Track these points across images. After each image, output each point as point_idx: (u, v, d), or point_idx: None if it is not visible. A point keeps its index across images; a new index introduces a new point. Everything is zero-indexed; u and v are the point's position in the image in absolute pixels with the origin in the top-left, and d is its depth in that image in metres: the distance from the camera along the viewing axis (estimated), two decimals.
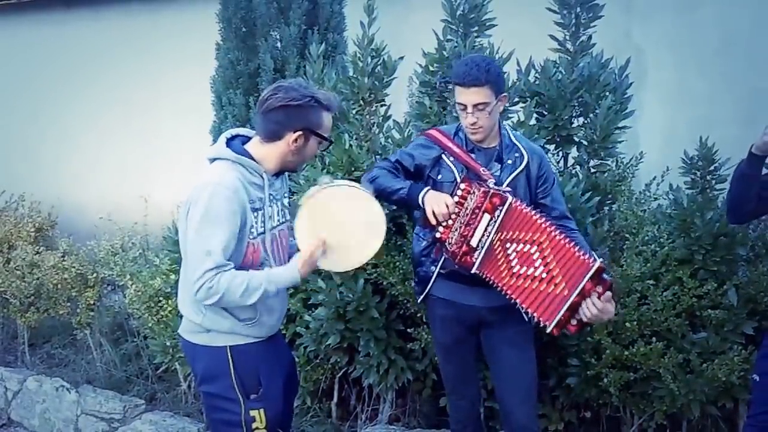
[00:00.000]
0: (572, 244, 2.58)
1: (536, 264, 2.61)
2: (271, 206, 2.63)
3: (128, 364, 4.78)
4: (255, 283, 2.48)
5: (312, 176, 3.71)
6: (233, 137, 2.67)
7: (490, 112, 2.74)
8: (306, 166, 3.88)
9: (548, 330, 2.58)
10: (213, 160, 2.58)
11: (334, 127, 3.93)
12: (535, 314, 2.60)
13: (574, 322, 2.56)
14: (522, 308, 2.64)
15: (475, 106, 2.72)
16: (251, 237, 2.53)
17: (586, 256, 2.54)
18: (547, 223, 2.63)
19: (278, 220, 2.68)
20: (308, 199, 2.62)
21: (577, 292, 2.50)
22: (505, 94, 2.82)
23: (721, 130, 3.85)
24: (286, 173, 2.79)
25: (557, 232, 2.61)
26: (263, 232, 2.59)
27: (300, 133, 2.53)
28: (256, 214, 2.54)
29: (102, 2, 6.83)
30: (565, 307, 2.53)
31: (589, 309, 2.50)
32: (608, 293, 2.51)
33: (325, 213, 2.61)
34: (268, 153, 2.58)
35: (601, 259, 2.53)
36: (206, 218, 2.40)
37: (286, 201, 2.78)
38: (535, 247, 2.62)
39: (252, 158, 2.55)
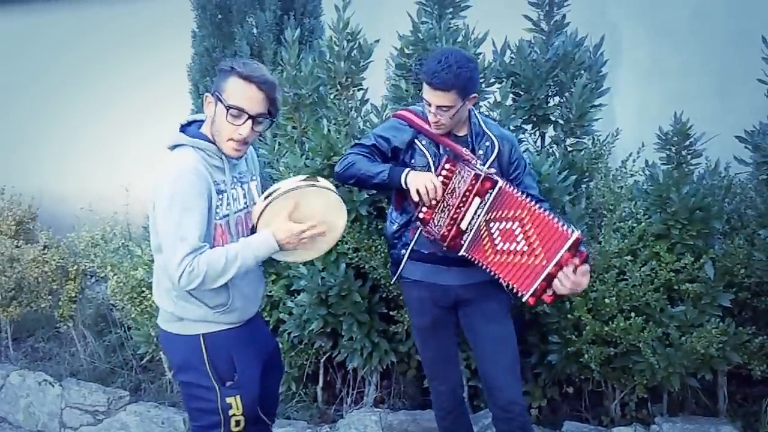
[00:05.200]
0: (552, 216, 2.59)
1: (518, 239, 2.63)
2: (235, 188, 2.59)
3: (112, 356, 4.77)
4: (232, 254, 2.44)
5: (292, 162, 3.71)
6: (189, 123, 2.62)
7: (453, 115, 2.73)
8: (285, 152, 3.88)
9: (524, 299, 2.59)
10: (173, 147, 2.53)
11: (312, 112, 3.93)
12: (512, 284, 2.62)
13: (549, 292, 2.57)
14: (502, 280, 2.66)
15: (438, 107, 2.71)
16: (217, 218, 2.50)
17: (565, 227, 2.54)
18: (528, 200, 2.65)
19: (245, 203, 2.64)
20: (263, 203, 2.56)
21: (554, 262, 2.52)
22: (474, 95, 2.77)
23: (696, 105, 3.88)
24: (251, 153, 2.75)
25: (537, 206, 2.62)
26: (228, 215, 2.56)
27: (207, 94, 2.51)
28: (220, 195, 2.51)
29: None
30: (542, 277, 2.54)
31: (563, 282, 2.51)
32: (585, 266, 2.53)
33: (285, 213, 2.56)
34: (209, 131, 2.54)
35: (579, 231, 2.54)
36: (174, 205, 2.36)
37: (254, 183, 2.73)
38: (517, 223, 2.64)
39: (210, 141, 2.51)
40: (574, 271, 2.50)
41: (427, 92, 2.72)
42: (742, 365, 3.44)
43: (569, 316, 3.42)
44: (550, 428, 3.63)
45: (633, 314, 3.31)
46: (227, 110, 2.44)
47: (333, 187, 2.65)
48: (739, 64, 4.40)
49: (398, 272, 3.01)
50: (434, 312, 2.98)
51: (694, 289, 3.32)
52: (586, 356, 3.40)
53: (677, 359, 3.32)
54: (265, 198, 2.56)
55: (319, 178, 2.65)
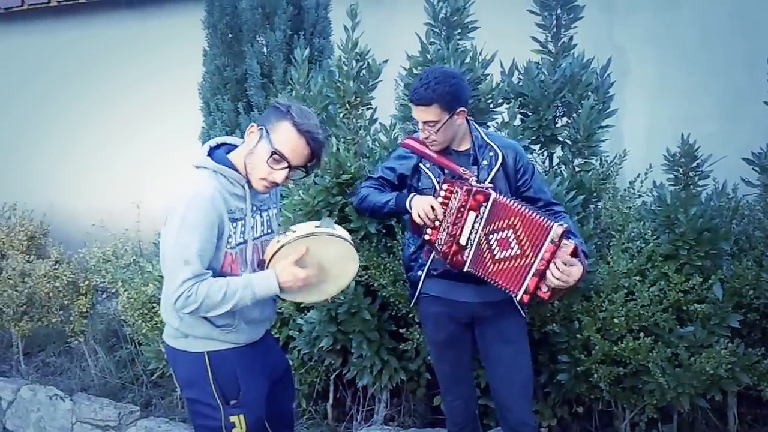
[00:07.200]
0: (537, 215, 2.63)
1: (512, 244, 2.67)
2: (254, 217, 2.62)
3: (123, 371, 4.80)
4: (232, 289, 2.46)
5: (302, 180, 3.73)
6: (218, 146, 2.64)
7: (439, 129, 2.77)
8: None
9: (517, 298, 2.65)
10: (198, 167, 2.55)
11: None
12: (504, 286, 2.67)
13: (545, 289, 2.61)
14: (496, 285, 2.70)
15: (425, 122, 2.78)
16: (229, 247, 2.51)
17: (547, 222, 2.59)
18: (521, 205, 2.68)
19: (262, 231, 2.66)
20: (275, 248, 2.58)
21: (540, 256, 2.57)
22: (462, 108, 2.80)
23: (703, 126, 3.90)
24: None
25: (529, 210, 2.66)
26: (243, 242, 2.57)
27: (254, 124, 2.53)
28: (235, 224, 2.52)
29: (91, 11, 6.81)
30: (531, 273, 2.60)
31: (553, 273, 2.56)
32: (571, 258, 2.56)
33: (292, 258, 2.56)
34: (242, 159, 2.55)
35: (563, 224, 2.58)
36: (183, 228, 2.39)
37: (274, 211, 2.76)
38: (511, 230, 2.67)
39: (235, 168, 2.54)
40: (563, 263, 2.55)
41: (413, 110, 2.82)
42: (752, 386, 3.44)
43: (578, 335, 3.43)
44: None
45: (642, 334, 3.31)
46: (271, 153, 2.45)
47: (348, 236, 2.67)
48: (747, 86, 4.41)
49: (417, 294, 3.05)
50: (450, 327, 3.02)
51: (702, 309, 3.32)
52: (595, 376, 3.41)
53: (686, 380, 3.32)
54: (279, 240, 2.58)
55: (336, 226, 2.67)
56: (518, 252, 2.65)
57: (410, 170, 2.97)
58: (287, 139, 2.46)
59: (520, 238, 2.65)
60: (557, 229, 2.55)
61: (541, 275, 2.59)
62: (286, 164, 2.48)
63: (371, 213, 3.06)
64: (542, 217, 2.62)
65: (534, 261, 2.60)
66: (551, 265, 2.57)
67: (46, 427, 4.52)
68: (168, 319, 2.66)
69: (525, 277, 2.62)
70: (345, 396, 4.12)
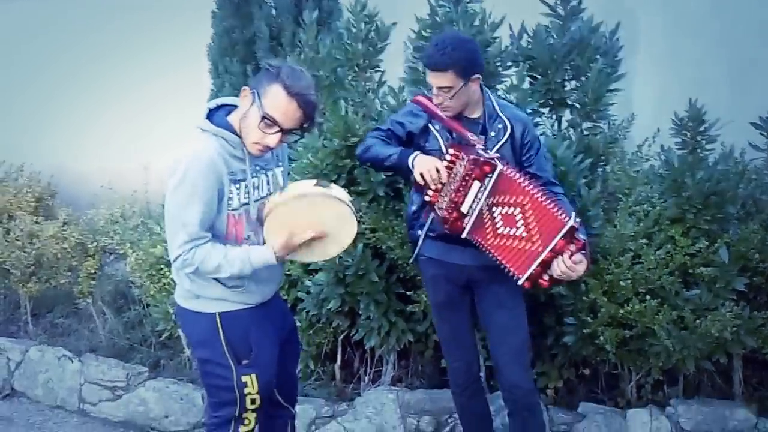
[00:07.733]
0: (550, 203, 2.62)
1: (518, 224, 2.67)
2: (258, 176, 2.60)
3: (131, 332, 4.81)
4: (229, 259, 2.47)
5: (310, 143, 3.74)
6: (218, 108, 2.60)
7: (453, 95, 2.74)
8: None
9: (519, 282, 2.66)
10: (202, 129, 2.52)
11: (330, 93, 3.95)
12: (509, 267, 2.68)
13: (546, 277, 2.63)
14: (499, 262, 2.71)
15: (439, 88, 2.75)
16: (231, 209, 2.50)
17: (562, 215, 2.57)
18: (531, 186, 2.66)
19: (267, 190, 2.64)
20: (271, 209, 2.56)
21: (549, 248, 2.57)
22: (477, 75, 2.76)
23: (711, 92, 3.89)
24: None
25: (539, 192, 2.64)
26: (247, 203, 2.56)
27: (246, 87, 2.48)
28: (237, 185, 2.50)
29: None
30: (537, 262, 2.60)
31: (559, 266, 2.57)
32: (579, 255, 2.57)
33: (293, 216, 2.55)
34: (238, 122, 2.51)
35: (576, 219, 2.57)
36: (182, 191, 2.39)
37: (280, 170, 2.72)
38: (518, 209, 2.66)
39: (234, 131, 2.50)
40: (570, 258, 2.56)
41: (428, 75, 2.78)
42: (757, 349, 3.47)
43: (585, 298, 3.45)
44: (566, 409, 3.68)
45: (648, 297, 3.33)
46: (261, 118, 2.40)
47: (345, 197, 2.64)
48: (757, 52, 4.40)
49: (416, 252, 3.07)
50: (447, 289, 3.04)
51: (708, 273, 3.34)
52: (601, 338, 3.43)
53: (692, 342, 3.35)
54: (279, 197, 2.57)
55: (333, 186, 2.64)
56: (524, 234, 2.65)
57: (419, 129, 2.94)
58: (278, 102, 2.40)
59: (528, 220, 2.64)
60: (569, 225, 2.54)
61: (547, 265, 2.61)
62: (278, 128, 2.43)
63: (372, 164, 3.07)
64: (556, 207, 2.60)
65: (542, 250, 2.59)
66: (559, 258, 2.57)
67: (55, 387, 4.54)
68: (179, 280, 2.67)
69: (531, 264, 2.63)
70: (353, 357, 4.15)
